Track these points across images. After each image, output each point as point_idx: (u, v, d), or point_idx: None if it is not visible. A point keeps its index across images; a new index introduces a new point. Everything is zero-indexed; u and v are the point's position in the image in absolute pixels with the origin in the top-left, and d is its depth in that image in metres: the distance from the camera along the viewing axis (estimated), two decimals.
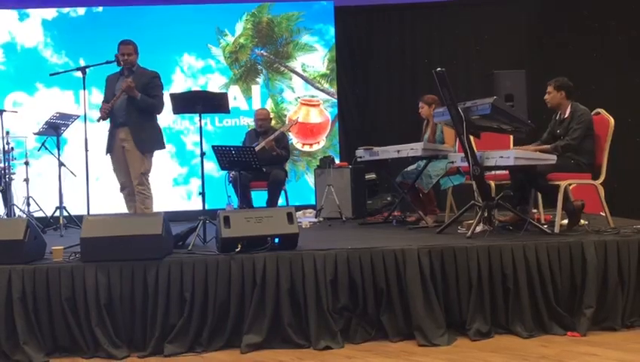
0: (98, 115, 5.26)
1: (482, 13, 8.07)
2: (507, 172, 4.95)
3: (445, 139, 5.61)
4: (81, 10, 7.83)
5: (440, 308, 3.79)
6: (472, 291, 3.83)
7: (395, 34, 8.23)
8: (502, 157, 4.40)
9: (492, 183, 5.09)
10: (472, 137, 4.69)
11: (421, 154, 5.35)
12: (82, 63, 7.34)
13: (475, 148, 4.60)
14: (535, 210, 5.15)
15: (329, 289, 3.76)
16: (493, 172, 4.96)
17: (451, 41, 8.13)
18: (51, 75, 7.18)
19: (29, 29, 7.77)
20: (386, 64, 8.20)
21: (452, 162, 5.11)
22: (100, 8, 7.84)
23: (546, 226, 4.54)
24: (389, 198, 6.93)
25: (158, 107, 5.26)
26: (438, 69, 4.42)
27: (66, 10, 7.80)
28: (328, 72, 8.00)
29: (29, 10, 7.75)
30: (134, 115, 5.15)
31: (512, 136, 5.59)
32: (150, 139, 5.25)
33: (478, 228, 4.44)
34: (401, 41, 8.23)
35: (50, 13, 7.77)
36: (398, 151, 5.44)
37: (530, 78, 7.12)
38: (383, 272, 3.80)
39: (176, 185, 7.81)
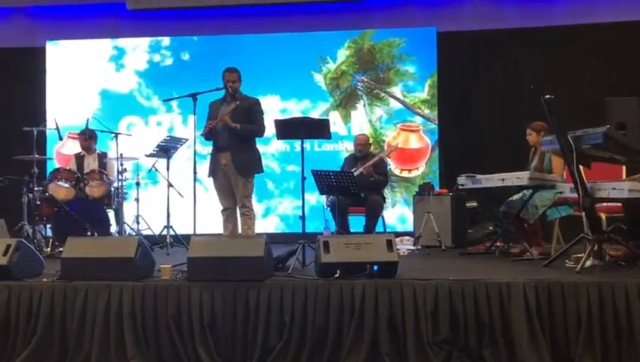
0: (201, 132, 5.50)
1: (591, 38, 7.75)
2: (620, 204, 4.69)
3: (553, 168, 5.39)
4: (169, 60, 8.25)
5: (546, 345, 3.62)
6: (581, 329, 3.64)
7: (500, 59, 8.05)
8: (615, 188, 4.18)
9: (603, 216, 4.83)
10: (582, 167, 4.48)
11: (527, 184, 5.16)
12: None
13: (585, 179, 4.40)
14: None
15: (429, 321, 3.69)
16: (604, 203, 4.71)
17: (558, 67, 7.86)
18: (164, 100, 7.57)
19: (123, 78, 8.30)
20: (489, 89, 8.04)
21: (560, 192, 4.90)
22: (187, 56, 8.21)
23: None
24: (490, 228, 6.72)
25: (258, 132, 5.47)
26: (547, 96, 4.28)
27: (156, 59, 8.26)
28: (429, 97, 7.93)
29: (124, 61, 8.28)
30: (235, 139, 5.36)
31: (624, 167, 5.31)
32: (250, 163, 5.45)
33: (588, 263, 4.22)
34: (506, 67, 8.04)
35: (142, 64, 8.27)
36: (503, 180, 5.27)
37: None
38: (486, 305, 3.68)
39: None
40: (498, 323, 3.67)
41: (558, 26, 7.85)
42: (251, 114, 5.42)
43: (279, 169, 7.99)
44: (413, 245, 6.42)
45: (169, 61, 8.26)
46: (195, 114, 5.40)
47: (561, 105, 4.41)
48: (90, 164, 6.85)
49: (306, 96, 8.08)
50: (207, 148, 5.80)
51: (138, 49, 8.29)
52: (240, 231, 5.48)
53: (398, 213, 7.88)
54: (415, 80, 7.98)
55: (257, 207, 7.74)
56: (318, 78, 8.08)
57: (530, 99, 7.64)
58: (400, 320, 3.72)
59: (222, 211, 5.55)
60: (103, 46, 8.33)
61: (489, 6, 8.04)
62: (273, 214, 7.99)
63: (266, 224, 7.91)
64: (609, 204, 4.78)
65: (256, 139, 5.61)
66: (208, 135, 5.45)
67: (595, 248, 4.27)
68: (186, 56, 8.23)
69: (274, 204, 7.99)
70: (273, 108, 7.94)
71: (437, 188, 7.14)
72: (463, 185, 5.74)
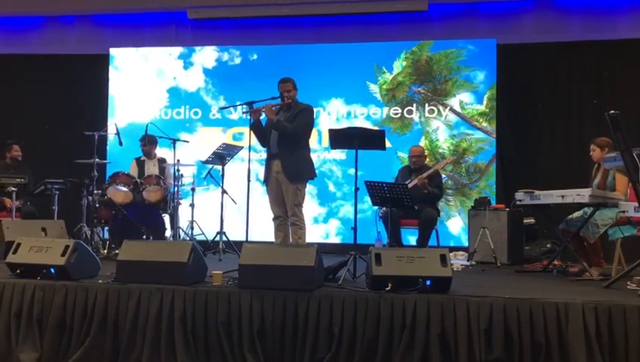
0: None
1: None
2: None
3: (617, 186, 5.19)
4: (237, 60, 8.36)
5: None
6: None
7: (562, 72, 7.85)
8: None
9: None
10: None
11: (588, 201, 4.98)
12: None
13: None
14: None
15: (482, 339, 3.58)
16: None
17: (624, 81, 7.60)
18: (221, 108, 7.66)
19: (192, 76, 8.46)
20: (550, 104, 7.83)
21: (623, 211, 4.72)
22: (255, 55, 8.31)
23: None
24: (548, 246, 6.54)
25: (290, 130, 5.33)
26: (612, 111, 4.12)
27: (224, 58, 8.38)
28: (487, 110, 7.78)
29: (193, 59, 8.44)
30: (285, 147, 5.36)
31: None
32: (300, 169, 5.42)
33: None
34: (568, 80, 7.83)
35: (210, 62, 8.41)
36: (563, 197, 5.10)
37: None
38: (542, 326, 3.55)
39: (315, 224, 7.93)
40: (555, 345, 3.54)
41: (622, 39, 7.60)
42: (296, 116, 5.41)
43: (341, 173, 8.00)
44: (468, 260, 6.28)
45: (238, 60, 8.38)
46: (250, 122, 5.44)
47: (626, 120, 4.25)
48: (151, 168, 7.01)
49: (361, 106, 8.06)
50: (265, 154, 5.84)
51: (207, 47, 8.47)
52: (291, 240, 5.47)
53: (452, 228, 7.75)
54: (473, 92, 7.85)
55: (320, 211, 7.87)
56: (374, 89, 8.06)
57: (593, 114, 7.44)
58: (452, 337, 3.63)
59: (273, 219, 5.56)
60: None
61: (552, 18, 7.86)
62: (335, 218, 8.00)
63: (329, 227, 7.97)
64: None
65: (310, 146, 5.60)
66: (253, 115, 5.42)
67: None
68: (253, 57, 8.35)
69: (336, 207, 8.00)
70: (328, 117, 7.98)
71: (493, 203, 6.98)
72: (520, 200, 5.58)
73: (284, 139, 5.36)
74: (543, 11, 7.90)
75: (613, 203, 5.03)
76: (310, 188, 7.01)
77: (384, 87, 8.05)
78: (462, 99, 7.87)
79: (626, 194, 5.16)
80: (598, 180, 5.37)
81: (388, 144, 6.52)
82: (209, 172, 6.83)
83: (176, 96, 8.45)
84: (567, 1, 7.83)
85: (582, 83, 7.79)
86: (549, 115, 7.82)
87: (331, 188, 8.01)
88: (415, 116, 7.97)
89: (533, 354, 3.56)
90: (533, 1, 7.93)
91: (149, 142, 7.01)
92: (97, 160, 6.45)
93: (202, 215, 7.12)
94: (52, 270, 4.14)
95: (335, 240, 7.93)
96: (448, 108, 7.89)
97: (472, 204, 6.99)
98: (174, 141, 6.73)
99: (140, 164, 7.11)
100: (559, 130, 7.78)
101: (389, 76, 8.05)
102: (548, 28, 7.84)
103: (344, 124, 7.82)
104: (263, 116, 5.44)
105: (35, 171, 7.23)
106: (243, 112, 5.77)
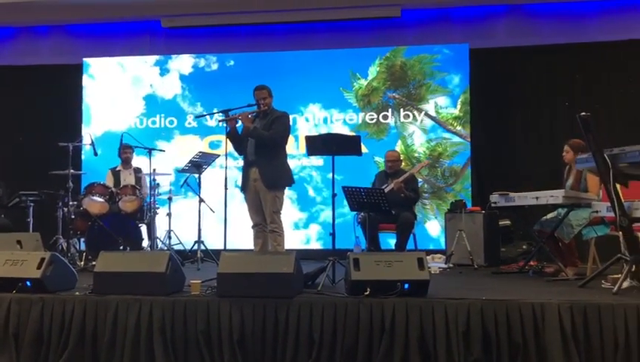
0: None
1: (629, 55, 7.63)
2: None
3: (589, 187, 5.29)
4: (214, 65, 8.35)
5: None
6: (618, 352, 3.53)
7: (534, 75, 7.96)
8: None
9: None
10: (618, 186, 4.38)
11: (562, 202, 5.06)
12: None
13: (622, 198, 4.30)
14: None
15: (461, 341, 3.62)
16: None
17: (594, 84, 7.74)
18: (196, 117, 7.65)
19: (168, 83, 8.42)
20: (523, 106, 7.94)
21: (596, 211, 4.80)
22: (232, 62, 8.30)
23: None
24: (524, 247, 6.62)
25: (268, 138, 5.34)
26: (583, 113, 4.20)
27: (201, 64, 8.36)
28: (461, 114, 7.87)
29: (169, 66, 8.41)
30: (262, 154, 5.36)
31: None
32: (278, 176, 5.42)
33: (625, 284, 4.12)
34: (540, 83, 7.94)
35: (187, 68, 8.39)
36: (537, 198, 5.18)
37: None
38: (519, 326, 3.60)
39: (295, 229, 7.95)
40: (532, 345, 3.58)
41: (592, 42, 7.75)
42: (272, 124, 5.42)
43: (320, 178, 8.02)
44: (445, 263, 6.34)
45: (214, 66, 8.36)
46: (226, 131, 5.43)
47: (596, 121, 4.32)
48: (127, 178, 6.96)
49: (337, 112, 8.10)
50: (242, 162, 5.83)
51: (183, 54, 8.46)
52: (270, 248, 5.47)
53: (429, 231, 7.81)
54: (447, 96, 7.93)
55: (300, 216, 7.89)
56: (349, 95, 8.10)
57: (565, 116, 7.57)
58: (431, 340, 3.66)
59: (252, 227, 5.56)
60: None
61: (523, 22, 7.98)
62: (315, 223, 8.01)
63: (309, 233, 7.98)
64: None
65: (287, 152, 5.60)
66: (229, 126, 5.42)
67: (633, 269, 4.15)
68: (230, 63, 8.33)
69: (316, 212, 8.02)
70: (304, 124, 7.99)
71: (469, 206, 7.05)
72: (495, 202, 5.66)
73: (261, 147, 5.36)
74: (514, 16, 8.02)
75: (586, 203, 5.12)
76: (290, 194, 7.01)
77: (359, 92, 8.10)
78: (436, 103, 7.94)
79: (599, 195, 5.25)
80: (571, 182, 5.46)
81: (364, 149, 6.60)
82: (186, 180, 6.80)
83: (152, 103, 8.40)
84: (537, 7, 7.96)
85: (554, 85, 7.91)
86: (522, 117, 7.93)
87: (311, 193, 8.02)
88: (391, 121, 8.03)
89: (510, 354, 3.61)
90: (505, 6, 8.03)
91: (124, 149, 6.98)
92: (72, 171, 6.39)
93: (180, 224, 7.08)
94: (28, 283, 4.09)
95: (316, 245, 7.94)
96: (423, 112, 7.96)
97: (448, 207, 7.05)
98: (150, 150, 6.69)
99: (116, 174, 7.06)
100: (532, 132, 7.88)
101: (364, 82, 8.10)
102: (519, 32, 7.95)
103: (322, 130, 7.87)
104: (239, 124, 5.44)
105: (9, 183, 7.14)
106: (219, 120, 5.76)
